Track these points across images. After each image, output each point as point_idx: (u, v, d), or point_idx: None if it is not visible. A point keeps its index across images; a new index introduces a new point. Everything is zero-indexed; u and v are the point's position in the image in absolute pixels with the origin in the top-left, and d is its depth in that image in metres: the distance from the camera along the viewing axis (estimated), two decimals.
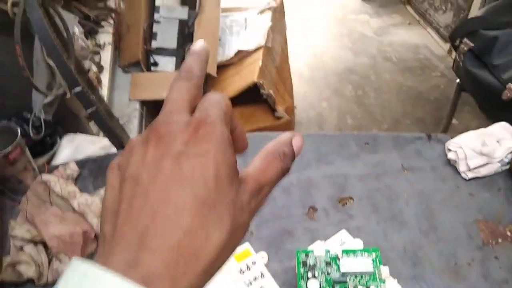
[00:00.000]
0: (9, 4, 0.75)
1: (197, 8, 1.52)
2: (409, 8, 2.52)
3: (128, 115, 1.31)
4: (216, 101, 0.23)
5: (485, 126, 0.79)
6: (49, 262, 0.61)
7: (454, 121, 1.80)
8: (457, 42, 1.37)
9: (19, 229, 0.63)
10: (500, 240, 0.64)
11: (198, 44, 0.27)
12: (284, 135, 0.25)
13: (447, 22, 2.22)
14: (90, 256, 0.63)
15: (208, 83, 1.53)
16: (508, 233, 0.65)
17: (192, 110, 0.24)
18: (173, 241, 0.19)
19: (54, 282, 0.60)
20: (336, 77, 2.19)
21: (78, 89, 0.73)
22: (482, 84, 1.27)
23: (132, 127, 1.28)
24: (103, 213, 0.23)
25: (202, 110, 0.23)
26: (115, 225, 0.21)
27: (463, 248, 0.63)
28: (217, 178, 0.21)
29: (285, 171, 0.24)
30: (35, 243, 0.63)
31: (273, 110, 1.50)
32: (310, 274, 0.54)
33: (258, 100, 1.48)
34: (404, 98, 2.07)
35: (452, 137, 0.77)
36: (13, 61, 0.80)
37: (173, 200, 0.20)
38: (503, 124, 0.77)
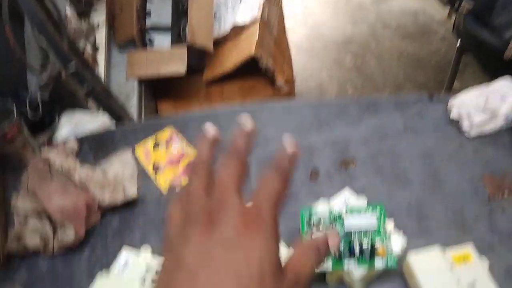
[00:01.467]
0: None
1: None
2: None
3: (127, 93, 1.30)
4: (269, 191, 0.25)
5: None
6: (54, 232, 0.61)
7: (456, 83, 1.77)
8: (457, 3, 1.34)
9: (21, 201, 0.63)
10: (506, 194, 0.63)
11: (248, 122, 0.28)
12: (321, 235, 0.27)
13: None
14: (93, 227, 0.63)
15: (205, 58, 1.51)
16: None
17: (240, 189, 0.26)
18: None
19: (59, 252, 0.60)
20: (335, 47, 2.16)
21: (72, 68, 0.72)
22: (484, 44, 1.25)
23: (132, 104, 1.27)
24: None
25: (256, 202, 0.25)
26: None
27: (469, 203, 0.63)
28: (261, 274, 0.22)
29: (319, 264, 0.26)
30: (38, 214, 0.62)
31: (272, 82, 1.48)
32: (314, 230, 0.54)
33: (258, 73, 1.46)
34: (405, 64, 2.04)
35: (454, 96, 0.76)
36: (6, 42, 0.79)
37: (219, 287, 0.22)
38: (506, 81, 0.76)
